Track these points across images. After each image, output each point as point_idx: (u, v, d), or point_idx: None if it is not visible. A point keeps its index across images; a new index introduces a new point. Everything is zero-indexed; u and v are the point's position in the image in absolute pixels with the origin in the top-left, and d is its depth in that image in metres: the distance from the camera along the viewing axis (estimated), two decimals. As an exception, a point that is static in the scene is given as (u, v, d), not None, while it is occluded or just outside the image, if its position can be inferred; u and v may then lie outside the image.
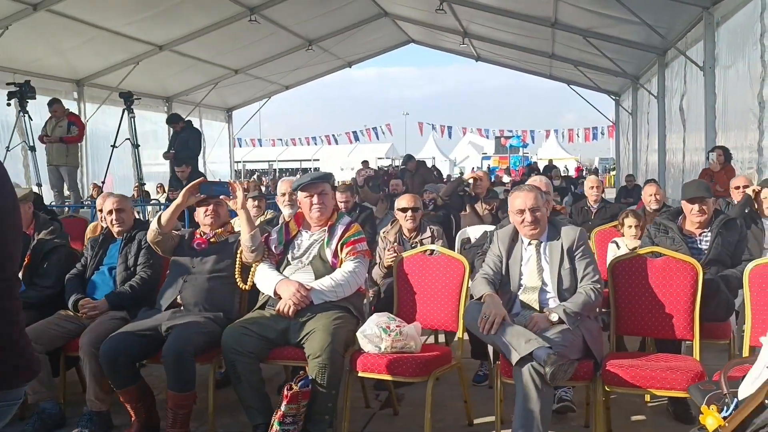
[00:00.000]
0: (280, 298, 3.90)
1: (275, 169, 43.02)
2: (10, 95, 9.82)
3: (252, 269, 4.12)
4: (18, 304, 1.84)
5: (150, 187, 13.11)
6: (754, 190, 5.54)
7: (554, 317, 3.52)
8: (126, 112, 10.39)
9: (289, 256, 4.11)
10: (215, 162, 22.82)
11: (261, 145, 48.30)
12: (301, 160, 41.98)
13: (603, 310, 4.11)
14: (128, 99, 10.38)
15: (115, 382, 3.84)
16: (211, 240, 4.28)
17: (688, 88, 12.40)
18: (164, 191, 14.71)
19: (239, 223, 4.20)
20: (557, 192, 14.61)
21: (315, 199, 4.09)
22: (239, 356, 3.72)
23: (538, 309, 3.65)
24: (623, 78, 18.13)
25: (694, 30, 11.40)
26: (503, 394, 3.65)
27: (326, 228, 4.12)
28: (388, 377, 3.66)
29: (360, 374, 3.71)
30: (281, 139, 46.65)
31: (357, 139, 42.70)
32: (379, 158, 39.13)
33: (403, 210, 5.38)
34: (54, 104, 10.03)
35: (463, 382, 3.99)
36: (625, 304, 3.83)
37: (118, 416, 4.05)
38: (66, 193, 9.79)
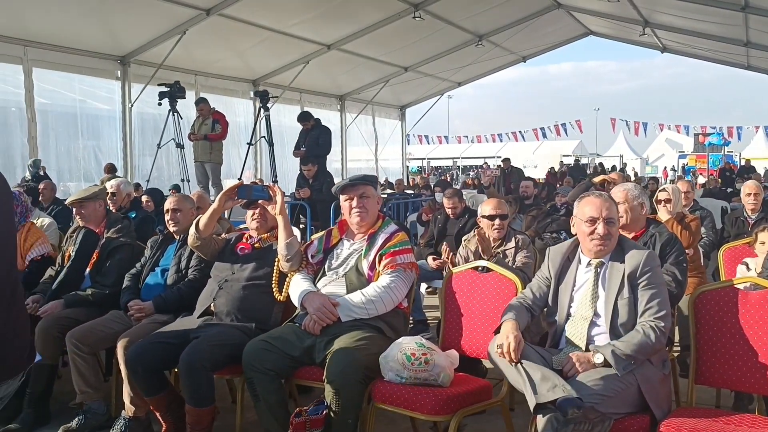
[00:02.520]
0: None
1: (458, 166, 42.82)
2: (161, 95, 10.42)
3: (288, 279, 3.84)
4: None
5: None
6: None
7: (598, 359, 2.87)
8: (262, 111, 10.60)
9: (326, 267, 3.78)
10: (387, 159, 23.00)
11: (447, 142, 48.48)
12: (484, 157, 41.37)
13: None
14: (264, 98, 10.59)
15: (141, 389, 3.74)
16: (255, 245, 4.06)
17: None
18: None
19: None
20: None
21: (354, 203, 3.73)
22: (258, 374, 3.44)
23: (584, 345, 3.01)
24: (838, 66, 15.69)
25: None
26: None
27: (366, 236, 3.74)
28: (405, 412, 3.21)
29: (378, 405, 3.29)
30: (467, 136, 46.50)
31: (544, 135, 41.40)
32: (565, 155, 37.54)
33: (490, 218, 4.84)
34: (200, 103, 10.50)
35: (507, 423, 3.42)
36: (709, 347, 3.06)
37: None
38: (210, 189, 10.21)
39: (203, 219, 3.95)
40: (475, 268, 3.73)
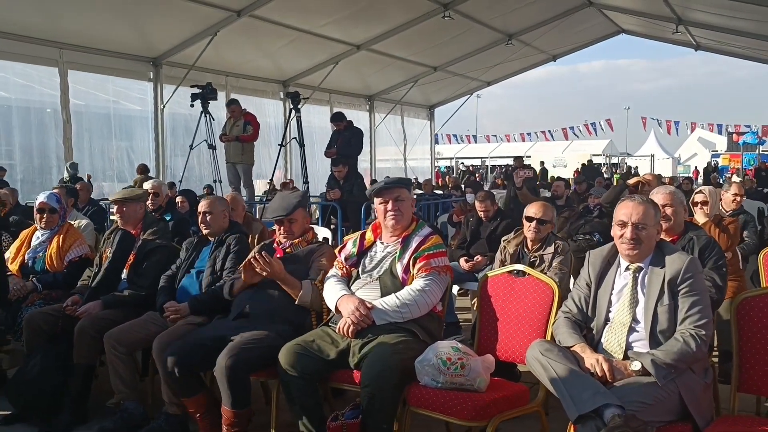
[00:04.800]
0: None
1: (487, 166, 42.63)
2: (194, 97, 10.51)
3: (319, 280, 3.86)
4: None
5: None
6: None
7: (635, 366, 2.83)
8: (293, 112, 10.65)
9: (360, 269, 3.78)
10: (416, 159, 22.98)
11: (476, 142, 48.30)
12: (513, 157, 41.09)
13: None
14: (295, 99, 10.63)
15: (178, 390, 3.78)
16: (287, 250, 4.08)
17: None
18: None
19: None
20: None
21: (390, 206, 3.71)
22: (293, 377, 3.45)
23: (623, 352, 2.97)
24: None
25: None
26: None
27: (400, 239, 3.73)
28: (441, 416, 3.20)
29: (413, 409, 3.28)
30: (495, 135, 46.29)
31: (574, 134, 41.10)
32: (595, 155, 37.16)
33: (528, 219, 4.81)
34: (232, 104, 10.56)
35: (544, 429, 3.39)
36: (752, 354, 3.00)
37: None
38: (242, 190, 10.28)
39: (236, 287, 4.04)
40: (511, 272, 3.70)
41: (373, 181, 17.61)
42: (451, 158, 43.28)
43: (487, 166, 42.67)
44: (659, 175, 8.88)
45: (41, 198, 5.01)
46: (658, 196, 4.00)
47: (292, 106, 10.73)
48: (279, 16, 13.29)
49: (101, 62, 13.02)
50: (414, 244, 3.67)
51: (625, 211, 3.09)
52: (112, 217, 9.54)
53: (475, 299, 4.46)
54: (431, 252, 3.63)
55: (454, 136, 43.37)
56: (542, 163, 32.41)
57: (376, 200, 3.78)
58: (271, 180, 12.21)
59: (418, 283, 3.56)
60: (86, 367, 4.26)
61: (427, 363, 3.26)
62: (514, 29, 17.20)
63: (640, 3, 14.11)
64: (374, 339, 3.45)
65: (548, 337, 3.36)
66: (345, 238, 5.38)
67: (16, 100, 13.08)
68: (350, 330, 3.49)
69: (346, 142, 9.76)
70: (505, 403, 3.20)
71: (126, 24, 12.37)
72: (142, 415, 4.14)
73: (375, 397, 3.24)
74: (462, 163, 43.86)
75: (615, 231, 3.12)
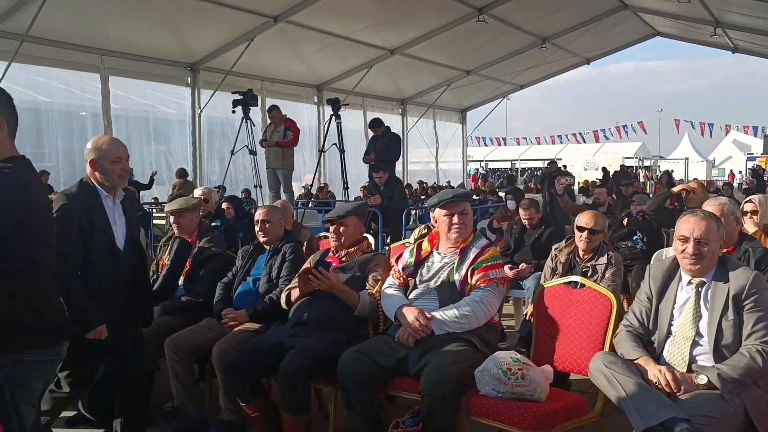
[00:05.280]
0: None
1: (517, 168, 42.43)
2: (235, 103, 10.67)
3: (376, 290, 3.92)
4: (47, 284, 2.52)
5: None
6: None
7: (702, 380, 2.85)
8: (333, 118, 10.77)
9: (417, 279, 3.84)
10: (448, 161, 23.02)
11: (505, 144, 48.07)
12: (543, 159, 40.90)
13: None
14: (336, 105, 10.73)
15: (238, 395, 3.86)
16: (342, 259, 4.16)
17: None
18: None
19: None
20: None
21: (456, 219, 3.77)
22: (353, 384, 3.52)
23: (686, 366, 2.99)
24: None
25: None
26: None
27: (458, 250, 3.78)
28: (502, 425, 3.25)
29: (473, 418, 3.33)
30: (525, 138, 46.08)
31: (605, 137, 40.77)
32: (627, 158, 36.83)
33: (579, 229, 4.83)
34: (273, 110, 10.69)
35: (603, 440, 3.42)
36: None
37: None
38: (282, 195, 10.40)
39: (292, 298, 4.11)
40: (568, 283, 3.73)
41: (407, 185, 17.68)
42: (481, 161, 43.16)
43: (517, 168, 42.45)
44: (696, 179, 8.75)
45: None
46: (708, 208, 3.99)
47: (332, 112, 10.83)
48: (314, 21, 13.44)
49: (141, 68, 13.29)
50: (472, 256, 3.73)
51: (687, 226, 3.11)
52: (155, 222, 9.78)
53: (527, 307, 4.48)
54: (489, 264, 3.68)
55: (484, 138, 43.28)
56: (564, 167, 32.06)
57: (440, 212, 3.83)
58: (311, 184, 12.31)
59: (476, 294, 3.61)
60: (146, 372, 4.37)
61: (487, 373, 3.31)
62: (548, 32, 17.19)
63: (677, 6, 13.97)
64: (433, 348, 3.51)
65: (606, 349, 3.40)
66: (393, 246, 5.46)
67: (59, 104, 13.39)
68: (410, 339, 3.56)
69: (384, 148, 9.82)
70: (565, 413, 3.24)
71: (165, 31, 12.61)
72: (201, 419, 4.24)
73: (435, 406, 3.29)
74: (482, 166, 43.65)
75: (677, 246, 3.15)
